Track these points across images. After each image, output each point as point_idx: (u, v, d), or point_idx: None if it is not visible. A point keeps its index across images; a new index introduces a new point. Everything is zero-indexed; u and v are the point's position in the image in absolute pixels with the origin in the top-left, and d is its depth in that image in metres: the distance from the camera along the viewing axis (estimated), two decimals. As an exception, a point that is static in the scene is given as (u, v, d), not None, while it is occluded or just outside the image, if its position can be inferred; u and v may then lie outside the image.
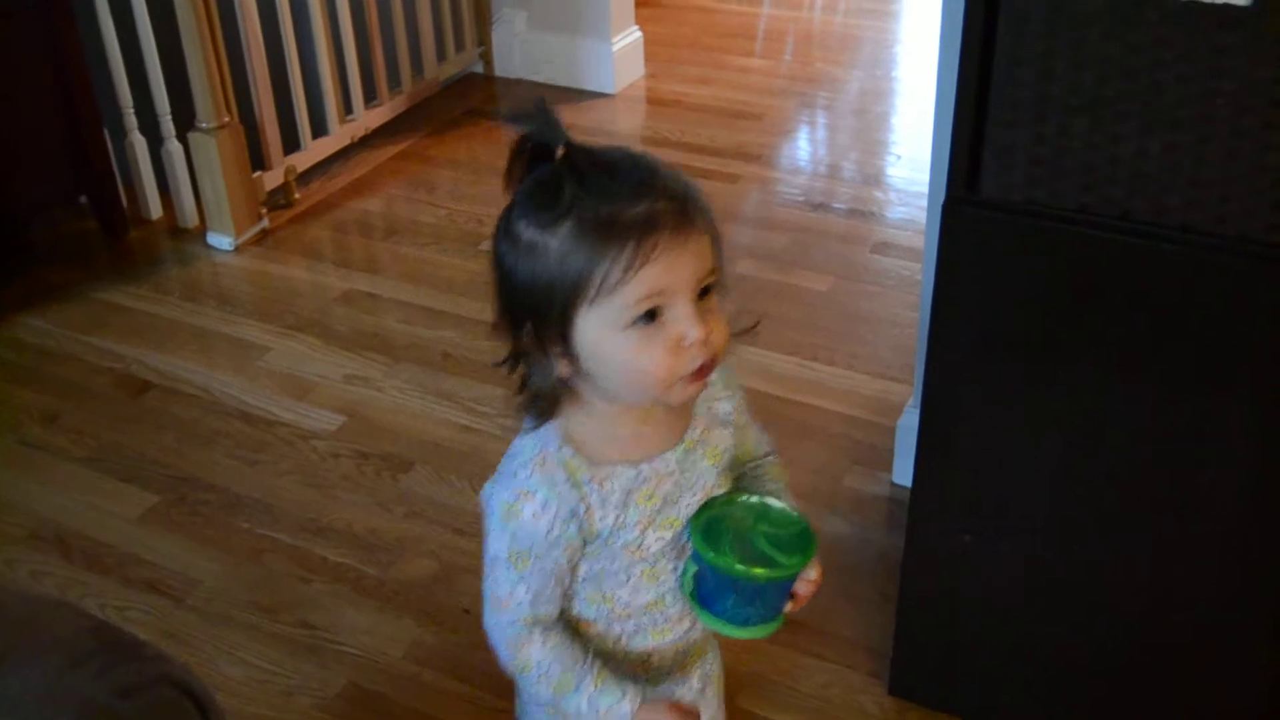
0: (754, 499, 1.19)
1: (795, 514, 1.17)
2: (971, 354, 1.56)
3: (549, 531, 1.13)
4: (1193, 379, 1.43)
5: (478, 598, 1.85)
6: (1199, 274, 1.38)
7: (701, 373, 1.08)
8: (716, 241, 1.09)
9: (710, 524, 1.14)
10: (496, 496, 1.15)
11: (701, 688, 1.34)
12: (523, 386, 1.13)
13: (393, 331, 2.75)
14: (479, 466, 2.31)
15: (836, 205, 3.21)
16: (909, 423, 2.03)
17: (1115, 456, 1.51)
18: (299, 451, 2.39)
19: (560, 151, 1.05)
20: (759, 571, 1.10)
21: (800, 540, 1.14)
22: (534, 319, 1.08)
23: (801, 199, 3.23)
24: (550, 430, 1.14)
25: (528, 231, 1.05)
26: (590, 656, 1.20)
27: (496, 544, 1.16)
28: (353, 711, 1.85)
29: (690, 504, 1.19)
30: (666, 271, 1.03)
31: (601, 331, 1.06)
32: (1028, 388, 1.54)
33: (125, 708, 0.90)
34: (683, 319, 1.05)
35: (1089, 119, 1.36)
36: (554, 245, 1.04)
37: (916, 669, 1.81)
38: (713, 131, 3.49)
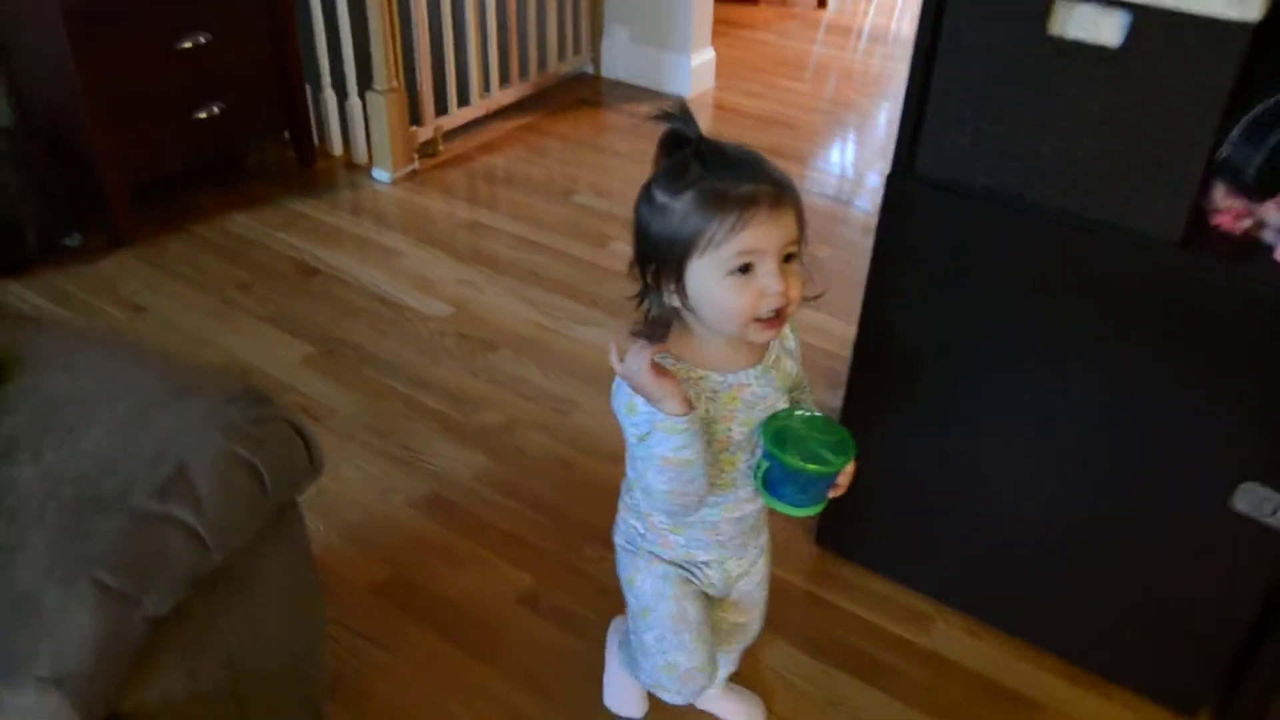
0: (809, 413, 1.18)
1: (838, 426, 1.17)
2: (900, 288, 1.57)
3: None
4: (1057, 322, 1.45)
5: (532, 442, 1.95)
6: (1069, 245, 1.40)
7: (777, 319, 1.10)
8: (802, 221, 1.10)
9: (779, 431, 1.14)
10: (618, 398, 1.16)
11: (755, 558, 1.36)
12: (646, 315, 1.15)
13: (497, 252, 2.80)
14: (546, 354, 2.37)
15: (846, 198, 3.20)
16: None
17: (999, 370, 1.53)
18: (416, 328, 2.46)
19: (694, 141, 1.07)
20: (813, 468, 1.11)
21: (843, 445, 1.14)
22: (658, 263, 1.10)
23: (824, 192, 3.22)
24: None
25: (661, 197, 1.08)
26: None
27: (628, 433, 1.17)
28: (429, 509, 1.94)
29: (763, 409, 1.18)
30: (759, 237, 1.05)
31: (707, 277, 1.07)
32: (942, 315, 1.55)
33: (256, 429, 1.01)
34: (768, 275, 1.06)
35: (995, 124, 1.38)
36: (678, 208, 1.06)
37: (839, 527, 1.84)
38: (760, 135, 3.43)
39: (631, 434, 1.14)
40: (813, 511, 1.18)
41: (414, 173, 3.18)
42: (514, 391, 2.25)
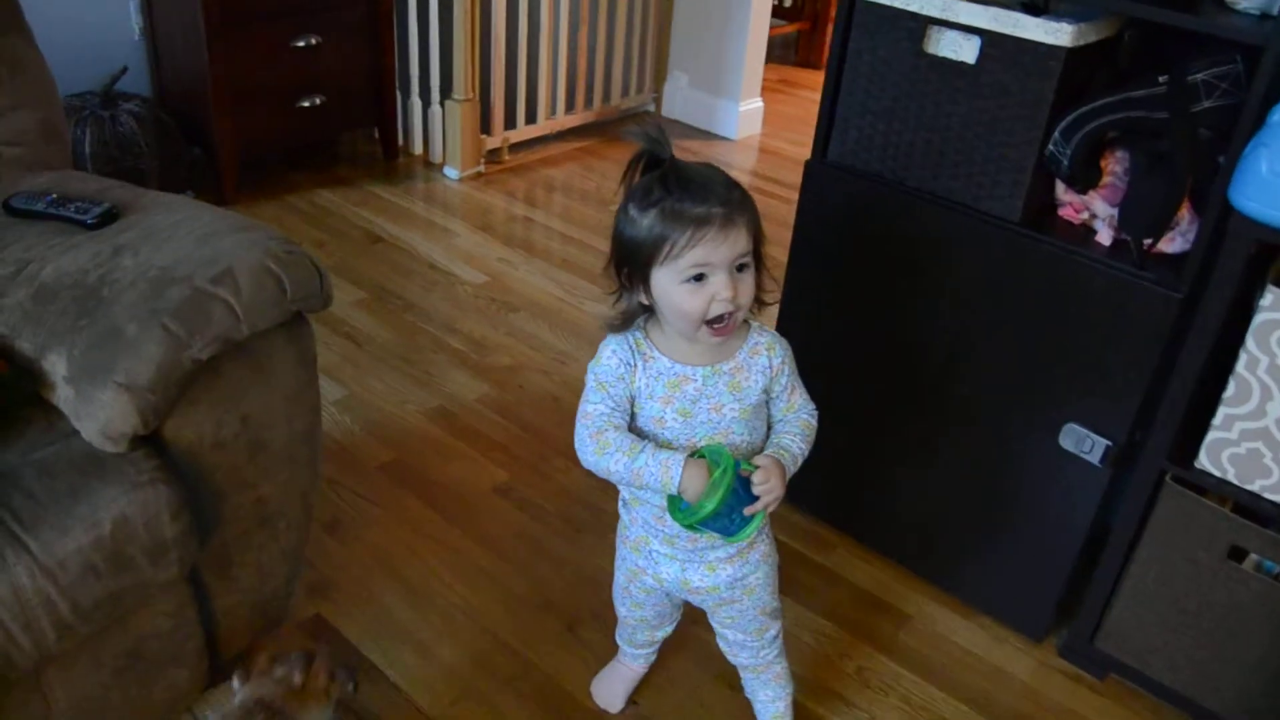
0: (728, 461, 1.22)
1: (726, 463, 1.22)
2: (815, 253, 1.90)
3: (615, 369, 1.28)
4: (929, 282, 1.76)
5: (532, 381, 2.25)
6: (937, 221, 1.71)
7: (722, 324, 1.22)
8: (754, 235, 1.22)
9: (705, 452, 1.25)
10: (592, 361, 1.30)
11: (728, 585, 1.41)
12: (621, 311, 1.30)
13: (536, 241, 3.21)
14: (559, 319, 2.76)
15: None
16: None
17: (884, 322, 1.85)
18: (456, 290, 2.87)
19: (664, 162, 1.20)
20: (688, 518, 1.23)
21: (714, 486, 1.21)
22: (629, 267, 1.24)
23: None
24: (633, 327, 1.30)
25: (633, 211, 1.21)
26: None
27: (589, 381, 1.30)
28: (436, 417, 2.33)
29: (707, 408, 1.28)
30: (710, 252, 1.18)
31: (666, 282, 1.21)
32: (843, 275, 1.87)
33: (286, 256, 1.39)
34: (719, 283, 1.19)
35: (883, 121, 1.73)
36: (645, 222, 1.20)
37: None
38: (790, 174, 3.74)
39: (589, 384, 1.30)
40: (745, 534, 1.25)
41: (479, 174, 3.62)
42: (525, 343, 2.65)
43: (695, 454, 1.26)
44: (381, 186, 3.46)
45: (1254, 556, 1.62)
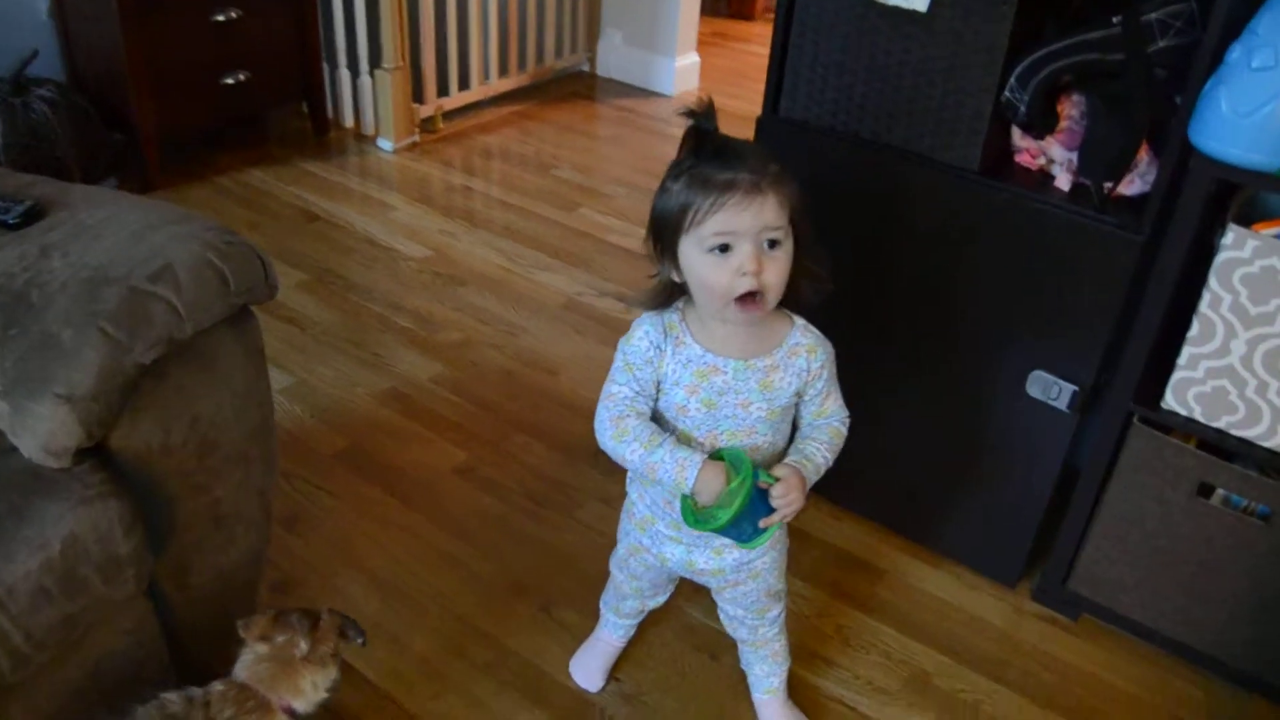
0: (747, 471, 1.20)
1: (746, 472, 1.19)
2: None
3: (644, 351, 1.25)
4: (888, 235, 1.74)
5: (484, 356, 2.20)
6: (894, 173, 1.69)
7: (748, 300, 1.17)
8: (789, 210, 1.18)
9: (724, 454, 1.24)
10: (624, 337, 1.27)
11: (735, 568, 1.39)
12: (655, 288, 1.28)
13: (478, 210, 3.13)
14: (507, 290, 2.69)
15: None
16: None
17: (841, 279, 1.83)
18: (398, 265, 2.79)
19: (708, 135, 1.18)
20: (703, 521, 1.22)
21: (730, 495, 1.19)
22: (660, 239, 1.23)
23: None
24: (671, 308, 1.28)
25: (667, 181, 1.20)
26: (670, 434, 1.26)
27: (617, 360, 1.28)
28: (389, 400, 2.27)
29: (732, 402, 1.25)
30: (732, 219, 1.15)
31: (691, 251, 1.19)
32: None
33: (225, 248, 1.32)
34: (741, 254, 1.16)
35: (834, 74, 1.70)
36: (674, 189, 1.19)
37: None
38: (727, 125, 3.76)
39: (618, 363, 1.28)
40: (758, 543, 1.23)
41: (414, 144, 3.52)
42: (474, 317, 2.59)
43: (714, 455, 1.22)
44: (314, 163, 3.36)
45: (1221, 492, 1.63)
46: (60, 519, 1.20)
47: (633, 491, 1.43)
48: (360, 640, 1.37)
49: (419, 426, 2.20)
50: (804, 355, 1.28)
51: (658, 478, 1.23)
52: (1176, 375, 1.57)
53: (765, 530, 1.21)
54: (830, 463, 1.32)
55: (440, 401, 2.29)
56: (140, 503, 1.30)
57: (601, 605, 1.66)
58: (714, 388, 1.25)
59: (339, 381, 2.33)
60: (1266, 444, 1.53)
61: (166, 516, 1.37)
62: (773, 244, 1.18)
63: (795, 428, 1.37)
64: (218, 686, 1.29)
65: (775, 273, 1.18)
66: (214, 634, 1.51)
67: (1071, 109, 1.61)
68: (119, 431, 1.30)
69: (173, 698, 1.26)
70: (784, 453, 1.31)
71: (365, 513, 1.97)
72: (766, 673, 1.58)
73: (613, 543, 1.55)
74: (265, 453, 1.51)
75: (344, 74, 3.55)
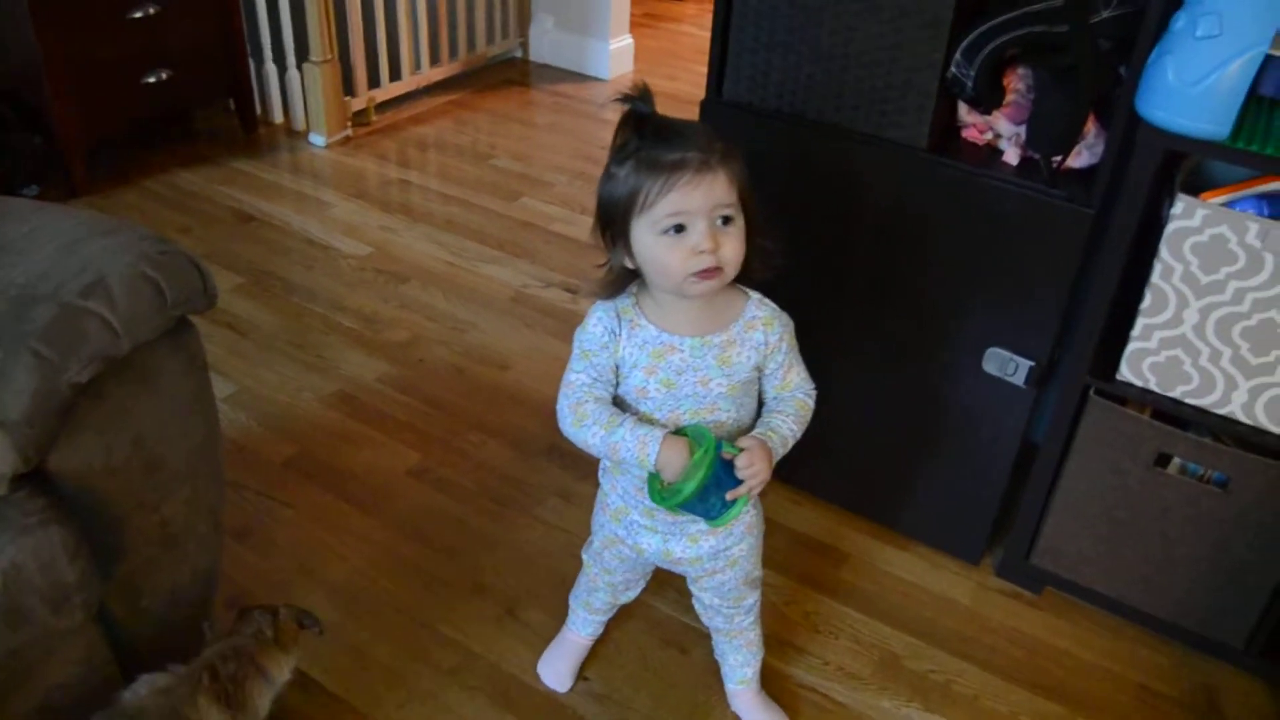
0: (709, 443, 1.18)
1: (707, 443, 1.17)
2: None
3: (599, 337, 1.25)
4: (837, 217, 1.73)
5: (431, 353, 2.12)
6: (842, 154, 1.67)
7: (707, 274, 1.17)
8: (738, 187, 1.18)
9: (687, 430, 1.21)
10: (580, 326, 1.26)
11: (711, 557, 1.39)
12: (607, 277, 1.26)
13: (417, 204, 3.06)
14: (452, 285, 2.64)
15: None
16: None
17: (793, 261, 1.83)
18: (339, 264, 2.73)
19: (646, 118, 1.17)
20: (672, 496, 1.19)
21: (694, 468, 1.17)
22: (610, 225, 1.21)
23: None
24: (623, 295, 1.27)
25: (612, 167, 1.19)
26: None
27: (574, 348, 1.27)
28: (336, 403, 2.21)
29: (692, 380, 1.24)
30: (685, 198, 1.14)
31: (645, 235, 1.17)
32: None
33: (160, 258, 1.27)
34: (697, 233, 1.16)
35: (778, 56, 1.67)
36: (621, 174, 1.17)
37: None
38: (665, 108, 3.72)
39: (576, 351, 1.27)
40: (727, 517, 1.21)
41: (348, 138, 3.45)
42: (420, 314, 2.53)
43: (677, 432, 1.21)
44: (245, 161, 3.28)
45: (1178, 461, 1.64)
46: (0, 549, 1.15)
47: (605, 483, 1.41)
48: (317, 629, 1.42)
49: (369, 429, 2.15)
50: (760, 329, 1.28)
51: (620, 458, 1.22)
52: (1131, 346, 1.58)
53: (734, 505, 1.19)
54: (798, 435, 1.31)
55: (389, 402, 2.23)
56: (85, 526, 1.24)
57: (571, 600, 1.64)
58: (671, 367, 1.24)
59: (284, 386, 2.27)
60: (1220, 411, 1.55)
61: (114, 539, 1.31)
62: (726, 220, 1.18)
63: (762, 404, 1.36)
64: (213, 648, 1.35)
65: (731, 248, 1.18)
66: (168, 655, 1.46)
67: (1018, 83, 1.60)
68: (58, 454, 1.24)
69: (158, 676, 1.29)
70: (751, 429, 1.30)
71: (319, 520, 1.92)
72: (740, 662, 1.56)
73: (576, 538, 1.53)
74: (212, 467, 1.46)
75: (270, 68, 3.46)
